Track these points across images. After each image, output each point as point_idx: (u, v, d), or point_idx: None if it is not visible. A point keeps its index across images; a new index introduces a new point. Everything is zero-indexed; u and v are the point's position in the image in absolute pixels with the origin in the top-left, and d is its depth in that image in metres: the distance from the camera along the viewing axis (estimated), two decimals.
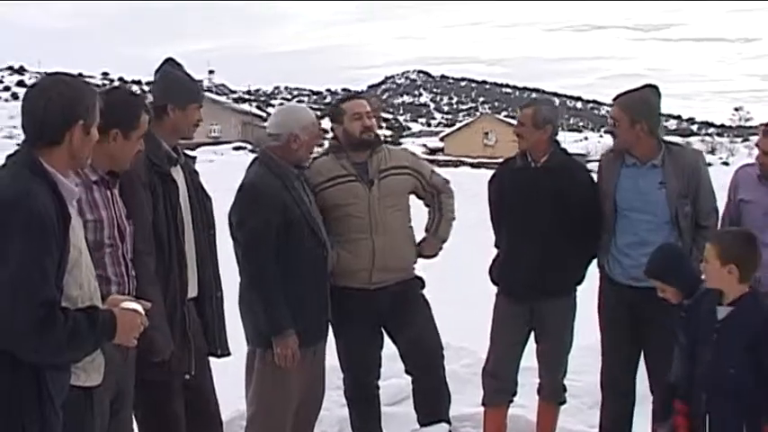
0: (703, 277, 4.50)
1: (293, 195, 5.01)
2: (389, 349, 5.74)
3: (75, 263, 3.13)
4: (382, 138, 5.72)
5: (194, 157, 4.73)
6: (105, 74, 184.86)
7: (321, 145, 5.70)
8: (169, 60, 4.66)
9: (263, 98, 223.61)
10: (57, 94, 3.12)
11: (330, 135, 5.70)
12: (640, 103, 5.21)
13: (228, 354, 4.77)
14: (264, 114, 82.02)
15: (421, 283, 5.64)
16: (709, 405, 4.36)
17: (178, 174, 4.48)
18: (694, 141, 69.86)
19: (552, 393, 5.70)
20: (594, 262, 5.51)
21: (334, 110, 5.56)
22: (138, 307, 3.29)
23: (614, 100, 5.29)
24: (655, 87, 5.30)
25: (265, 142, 5.30)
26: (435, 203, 5.71)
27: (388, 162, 5.49)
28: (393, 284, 5.43)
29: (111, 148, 3.85)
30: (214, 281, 4.64)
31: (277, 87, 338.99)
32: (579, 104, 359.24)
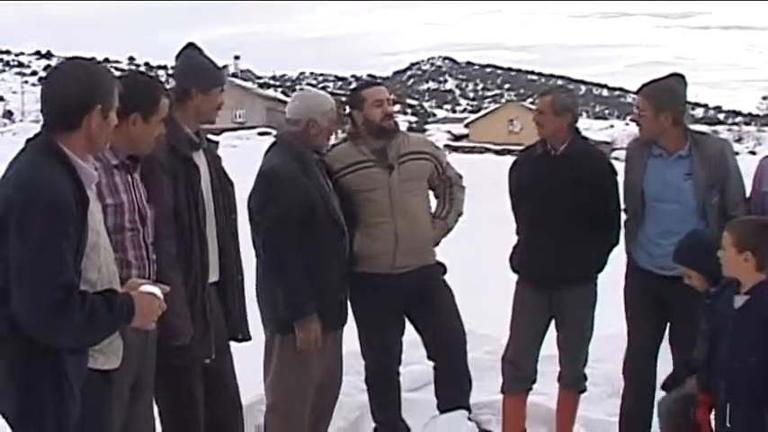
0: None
1: (313, 181, 5.01)
2: (410, 335, 5.74)
3: (94, 246, 3.15)
4: (406, 124, 5.71)
5: (217, 142, 4.74)
6: (132, 59, 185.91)
7: (337, 131, 5.69)
8: (190, 45, 4.67)
9: (288, 84, 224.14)
10: (74, 80, 3.14)
11: (349, 121, 5.70)
12: (666, 93, 5.17)
13: (249, 338, 4.80)
14: (289, 100, 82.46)
15: (443, 268, 5.65)
16: (728, 394, 4.36)
17: (200, 158, 4.49)
18: (721, 130, 69.51)
19: (572, 382, 5.69)
20: (616, 250, 5.49)
21: (355, 96, 5.55)
22: (157, 291, 3.31)
23: (639, 89, 5.26)
24: (681, 76, 5.27)
25: (284, 127, 5.30)
26: (447, 194, 5.72)
27: (407, 147, 5.50)
28: (416, 270, 5.43)
29: (132, 132, 3.86)
30: (236, 266, 4.65)
31: (302, 73, 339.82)
32: (605, 92, 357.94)
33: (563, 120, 5.39)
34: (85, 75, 3.16)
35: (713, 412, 4.53)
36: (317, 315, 4.93)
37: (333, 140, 5.50)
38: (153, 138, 4.01)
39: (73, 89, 3.12)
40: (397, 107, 6.04)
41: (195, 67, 4.57)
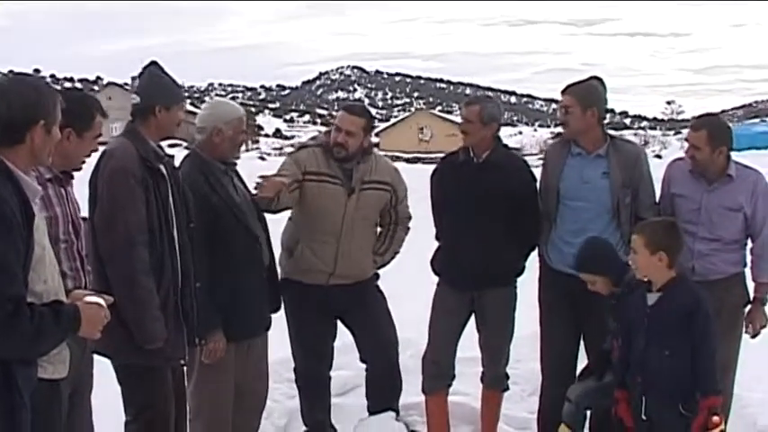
0: (632, 267, 4.68)
1: (218, 190, 5.01)
2: (338, 340, 5.85)
3: (39, 259, 3.20)
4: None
5: (172, 156, 4.80)
6: (37, 71, 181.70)
7: (247, 141, 5.72)
8: (153, 63, 4.77)
9: (196, 95, 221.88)
10: (17, 95, 3.18)
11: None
12: (591, 91, 5.38)
13: (207, 344, 4.92)
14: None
15: (375, 275, 5.78)
16: (644, 388, 4.54)
17: (163, 170, 4.58)
18: (627, 135, 70.64)
19: (495, 381, 5.83)
20: (535, 252, 5.66)
21: (338, 115, 5.65)
22: (101, 301, 3.37)
23: (565, 89, 5.43)
24: (600, 79, 5.47)
25: (195, 138, 5.31)
26: (389, 231, 5.83)
27: (372, 174, 5.59)
28: (350, 284, 5.57)
29: (65, 147, 3.90)
30: (193, 273, 4.71)
31: (211, 84, 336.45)
32: (513, 99, 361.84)
33: (489, 129, 5.54)
34: (29, 90, 3.21)
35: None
36: (221, 329, 4.93)
37: (243, 150, 5.50)
38: (86, 153, 4.09)
39: (16, 104, 3.15)
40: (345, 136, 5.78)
41: (158, 84, 4.68)
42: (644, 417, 4.57)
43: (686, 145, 5.39)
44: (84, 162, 4.13)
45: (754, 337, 5.42)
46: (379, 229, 5.82)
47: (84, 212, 4.26)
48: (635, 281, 4.70)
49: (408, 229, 5.90)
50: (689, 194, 5.37)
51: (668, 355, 4.45)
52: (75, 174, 4.13)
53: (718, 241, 5.28)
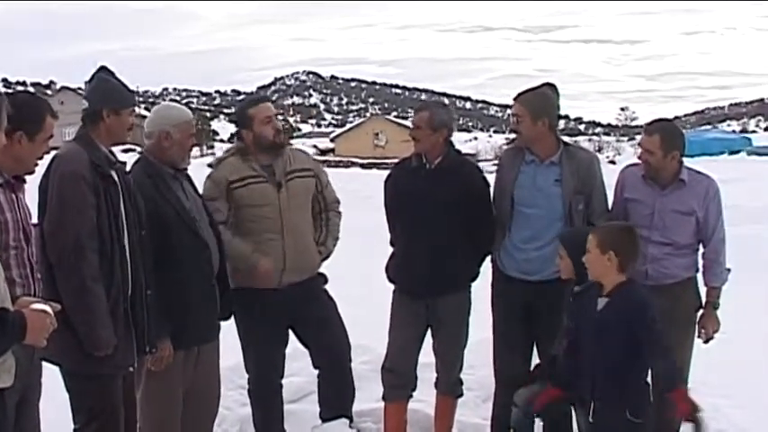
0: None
1: (166, 195, 4.97)
2: (290, 347, 5.82)
3: None
4: (285, 145, 5.75)
5: (124, 162, 4.75)
6: None
7: (200, 145, 5.71)
8: (102, 68, 4.73)
9: (151, 100, 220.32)
10: None
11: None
12: (542, 100, 5.40)
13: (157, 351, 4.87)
14: None
15: (324, 279, 5.76)
16: (592, 392, 4.57)
17: (114, 176, 4.54)
18: (582, 141, 71.28)
19: (449, 387, 5.83)
20: (488, 258, 5.66)
21: (242, 115, 5.61)
22: (48, 308, 3.33)
23: (516, 97, 5.44)
24: (553, 86, 5.49)
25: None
26: (323, 218, 5.83)
27: (293, 164, 5.59)
28: (300, 283, 5.54)
29: (16, 150, 3.87)
30: (145, 281, 4.66)
31: (166, 89, 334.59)
32: (469, 105, 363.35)
33: (440, 135, 5.54)
34: None
35: (575, 408, 4.82)
36: (169, 337, 4.89)
37: (198, 154, 5.49)
38: (38, 156, 4.04)
39: None
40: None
41: (106, 89, 4.64)
42: (591, 420, 4.60)
43: (640, 150, 5.42)
44: (36, 165, 4.08)
45: (706, 342, 5.47)
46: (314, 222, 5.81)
47: (36, 218, 4.21)
48: (591, 283, 4.69)
49: (340, 213, 5.91)
50: (642, 199, 5.40)
51: (616, 362, 4.47)
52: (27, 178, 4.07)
53: (670, 245, 5.32)
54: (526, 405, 5.04)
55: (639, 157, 5.43)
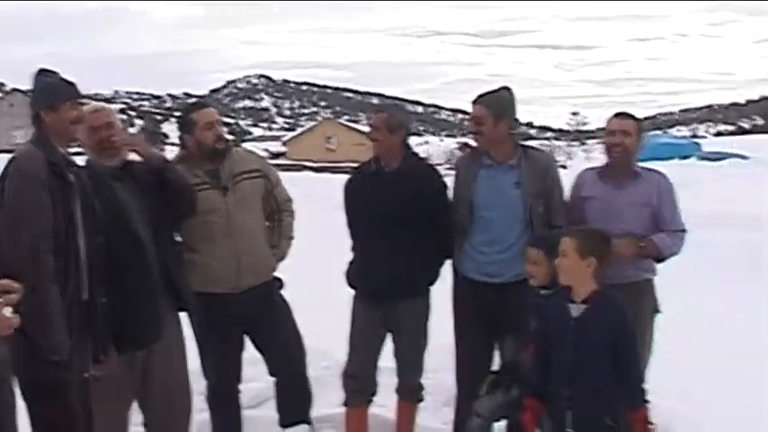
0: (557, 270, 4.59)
1: (106, 195, 4.81)
2: (247, 352, 5.76)
3: None
4: (230, 147, 5.69)
5: (84, 166, 4.67)
6: None
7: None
8: (41, 71, 4.60)
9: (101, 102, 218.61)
10: None
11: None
12: (502, 102, 5.39)
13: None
14: None
15: (279, 283, 5.71)
16: (569, 401, 4.46)
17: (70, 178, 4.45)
18: (533, 145, 71.72)
19: (410, 392, 5.81)
20: (448, 262, 5.65)
21: (185, 120, 5.53)
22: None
23: (476, 100, 5.42)
24: (509, 90, 5.48)
25: None
26: (276, 220, 5.77)
27: (240, 166, 5.53)
28: (255, 287, 5.47)
29: None
30: (100, 288, 4.57)
31: (116, 91, 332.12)
32: (420, 109, 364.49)
33: (398, 136, 5.55)
34: None
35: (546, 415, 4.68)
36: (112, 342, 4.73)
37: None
38: None
39: None
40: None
41: (39, 89, 4.54)
42: (568, 430, 4.49)
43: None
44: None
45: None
46: (267, 224, 5.75)
47: None
48: (560, 287, 4.60)
49: (293, 212, 5.85)
50: (598, 195, 5.44)
51: (596, 371, 4.40)
52: None
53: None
54: (490, 414, 5.03)
55: (605, 146, 5.44)
